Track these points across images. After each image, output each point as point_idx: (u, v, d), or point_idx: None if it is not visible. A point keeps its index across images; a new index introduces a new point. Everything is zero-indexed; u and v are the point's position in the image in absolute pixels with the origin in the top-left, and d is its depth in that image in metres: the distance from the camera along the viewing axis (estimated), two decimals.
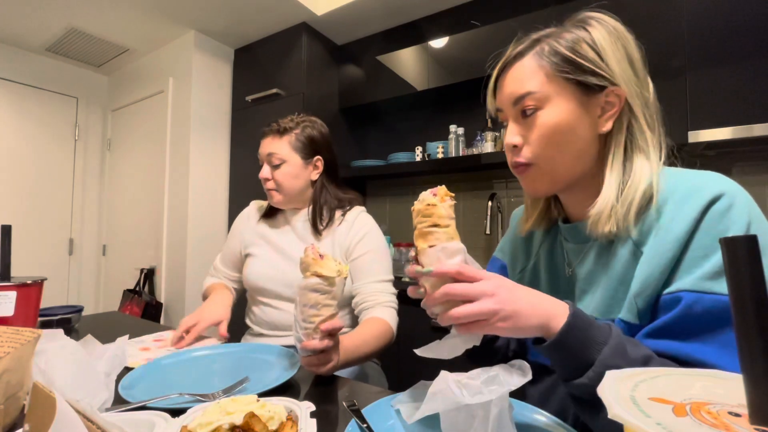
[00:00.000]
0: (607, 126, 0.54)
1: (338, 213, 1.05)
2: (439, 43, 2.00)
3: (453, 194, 0.50)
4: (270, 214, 1.12)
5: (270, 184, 1.03)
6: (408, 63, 2.11)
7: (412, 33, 2.15)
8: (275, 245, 1.06)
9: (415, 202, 0.51)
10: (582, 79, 0.52)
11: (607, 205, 0.52)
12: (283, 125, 1.04)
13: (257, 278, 1.02)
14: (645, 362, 0.42)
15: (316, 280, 0.64)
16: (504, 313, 0.43)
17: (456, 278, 0.46)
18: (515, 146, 0.57)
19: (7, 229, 0.68)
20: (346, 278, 0.69)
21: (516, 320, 0.44)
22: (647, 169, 0.52)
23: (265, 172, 1.03)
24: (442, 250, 0.47)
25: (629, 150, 0.54)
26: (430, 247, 0.48)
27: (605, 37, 0.53)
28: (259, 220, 1.13)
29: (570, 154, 0.54)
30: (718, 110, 1.33)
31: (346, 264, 0.71)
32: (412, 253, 0.51)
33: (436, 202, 0.49)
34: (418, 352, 0.50)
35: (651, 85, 0.56)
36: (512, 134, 0.57)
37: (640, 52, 0.55)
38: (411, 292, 0.51)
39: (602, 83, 0.52)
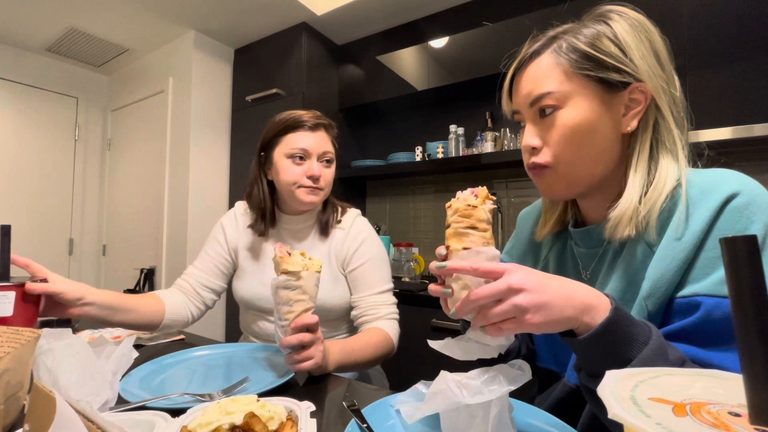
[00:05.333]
0: (632, 125, 0.51)
1: (332, 218, 1.00)
2: (439, 43, 2.00)
3: (494, 197, 0.48)
4: (259, 227, 0.99)
5: (321, 183, 0.93)
6: (408, 63, 2.11)
7: (412, 33, 2.15)
8: (267, 259, 0.98)
9: (453, 200, 0.48)
10: (604, 76, 0.50)
11: (629, 207, 0.49)
12: (330, 122, 0.98)
13: (251, 297, 0.96)
14: (682, 366, 0.40)
15: (284, 277, 0.65)
16: (534, 307, 0.39)
17: (478, 276, 0.44)
18: (534, 148, 0.54)
19: (6, 229, 0.67)
20: (318, 272, 0.68)
21: (548, 313, 0.39)
22: (674, 170, 0.50)
23: (318, 168, 0.92)
24: (477, 254, 0.45)
25: (655, 150, 0.51)
26: (465, 249, 0.46)
27: (628, 31, 0.50)
28: (247, 227, 1.01)
29: (591, 156, 0.52)
30: (718, 110, 1.33)
31: (319, 260, 0.68)
32: (442, 250, 0.48)
33: (477, 204, 0.46)
34: (431, 343, 0.48)
35: (677, 81, 0.53)
36: (530, 136, 0.54)
37: (666, 46, 0.52)
38: (434, 290, 0.48)
39: (626, 80, 0.50)
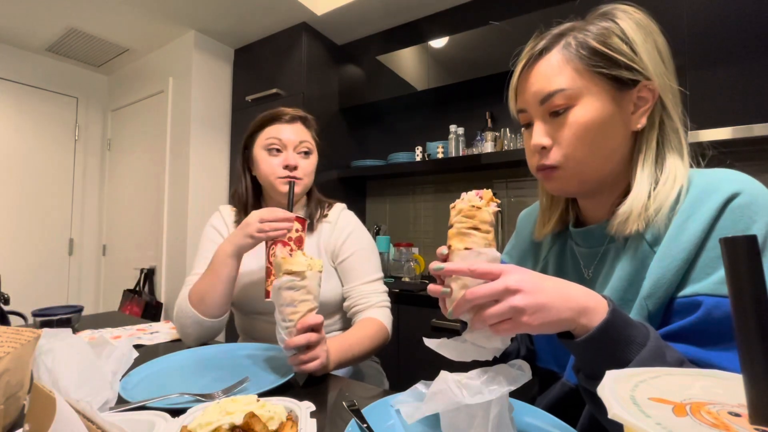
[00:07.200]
0: (642, 122, 0.51)
1: (318, 212, 1.01)
2: (439, 43, 2.00)
3: (498, 200, 0.48)
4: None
5: (299, 172, 0.94)
6: (408, 63, 2.11)
7: (412, 33, 2.15)
8: (260, 257, 0.95)
9: (458, 200, 0.49)
10: (616, 73, 0.49)
11: (639, 203, 0.49)
12: (308, 118, 1.00)
13: (242, 298, 0.95)
14: (680, 367, 0.40)
15: (288, 277, 0.64)
16: (531, 308, 0.39)
17: (475, 277, 0.43)
18: (544, 147, 0.53)
19: (293, 184, 0.91)
20: (321, 272, 0.68)
21: (545, 314, 0.39)
22: (682, 169, 0.50)
23: (293, 158, 0.94)
24: (478, 255, 0.45)
25: (661, 148, 0.52)
26: (466, 249, 0.46)
27: (635, 29, 0.50)
28: (233, 225, 1.01)
29: (602, 155, 0.51)
30: (718, 110, 1.33)
31: (320, 259, 0.69)
32: (444, 250, 0.49)
33: (481, 206, 0.47)
34: (426, 341, 0.48)
35: (676, 81, 0.53)
36: (540, 135, 0.53)
37: (667, 46, 0.52)
38: (433, 291, 0.48)
39: (635, 77, 0.50)
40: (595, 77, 0.50)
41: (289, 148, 0.95)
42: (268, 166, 0.94)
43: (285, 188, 0.94)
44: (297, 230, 0.81)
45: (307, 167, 0.97)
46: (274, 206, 0.99)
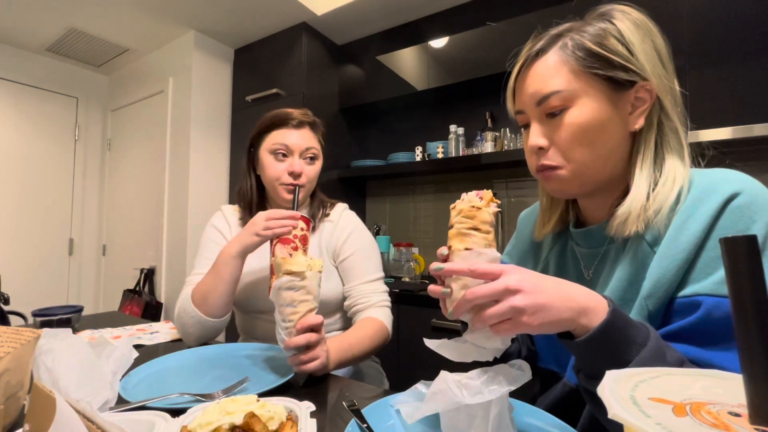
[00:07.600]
0: (640, 123, 0.51)
1: (321, 212, 1.02)
2: (439, 43, 2.00)
3: (498, 201, 0.48)
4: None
5: (303, 178, 0.94)
6: (408, 63, 2.11)
7: (412, 33, 2.15)
8: (261, 256, 0.96)
9: (458, 201, 0.49)
10: (612, 74, 0.49)
11: (638, 204, 0.49)
12: (316, 120, 1.00)
13: (245, 297, 0.95)
14: (680, 367, 0.40)
15: (287, 277, 0.64)
16: (531, 308, 0.39)
17: (475, 278, 0.43)
18: (541, 148, 0.53)
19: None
20: (320, 272, 0.68)
21: (545, 314, 0.39)
22: (681, 170, 0.50)
23: (299, 164, 0.94)
24: (479, 255, 0.45)
25: (660, 149, 0.52)
26: (467, 249, 0.46)
27: (632, 30, 0.50)
28: (237, 225, 1.02)
29: (601, 155, 0.51)
30: (718, 110, 1.33)
31: (320, 259, 0.69)
32: (444, 251, 0.49)
33: (481, 206, 0.47)
34: (427, 342, 0.48)
35: (676, 82, 0.53)
36: (537, 136, 0.53)
37: (667, 46, 0.52)
38: (433, 291, 0.48)
39: (632, 78, 0.50)
40: (591, 78, 0.50)
41: (295, 154, 0.94)
42: (273, 171, 0.94)
43: (289, 196, 0.94)
44: (302, 229, 0.82)
45: (311, 173, 0.97)
46: (278, 208, 1.00)
